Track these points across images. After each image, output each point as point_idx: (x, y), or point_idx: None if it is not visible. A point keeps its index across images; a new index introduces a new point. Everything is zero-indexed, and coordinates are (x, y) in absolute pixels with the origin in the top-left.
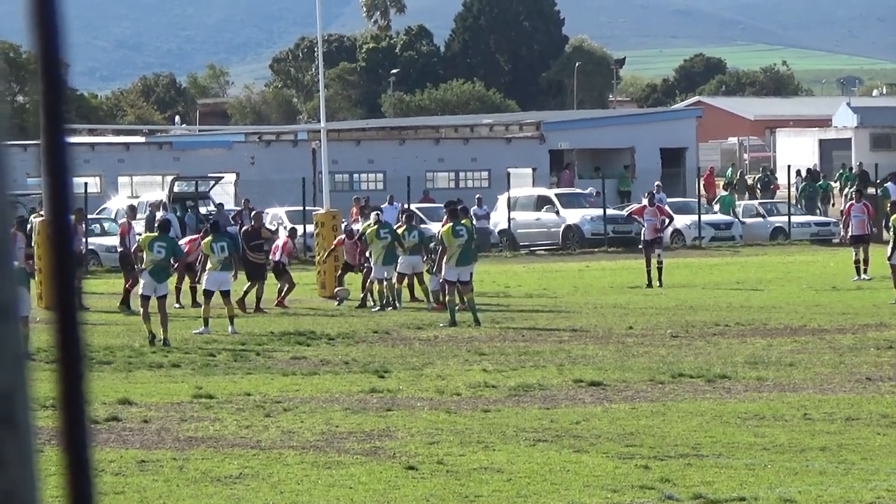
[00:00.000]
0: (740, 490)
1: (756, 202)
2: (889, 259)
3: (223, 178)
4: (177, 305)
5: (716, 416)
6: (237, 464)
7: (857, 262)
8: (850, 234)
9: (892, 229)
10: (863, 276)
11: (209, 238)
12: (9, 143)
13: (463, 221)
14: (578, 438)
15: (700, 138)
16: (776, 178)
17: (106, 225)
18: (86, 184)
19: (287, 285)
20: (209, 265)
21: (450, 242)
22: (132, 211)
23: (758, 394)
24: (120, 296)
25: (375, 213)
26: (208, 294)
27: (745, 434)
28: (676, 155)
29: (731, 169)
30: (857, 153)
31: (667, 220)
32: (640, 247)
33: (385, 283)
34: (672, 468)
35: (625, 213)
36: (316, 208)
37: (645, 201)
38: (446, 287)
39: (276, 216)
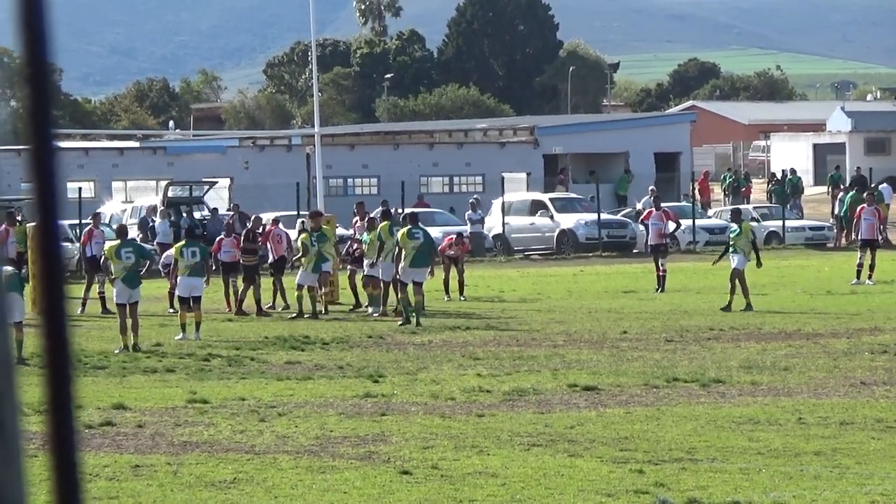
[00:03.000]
0: (735, 494)
1: (751, 206)
2: (735, 265)
3: (217, 182)
4: (171, 311)
5: (710, 420)
6: (231, 469)
7: (859, 265)
8: (859, 237)
9: (744, 236)
10: (866, 281)
11: (181, 243)
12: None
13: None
14: (573, 443)
15: (694, 143)
16: (747, 183)
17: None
18: (80, 189)
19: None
20: (179, 270)
21: (405, 244)
22: (96, 218)
23: (752, 398)
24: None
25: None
26: (183, 300)
27: (739, 438)
28: (671, 159)
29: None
30: (851, 157)
31: (674, 225)
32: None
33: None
34: (666, 472)
35: (639, 219)
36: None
37: (639, 205)
38: (399, 286)
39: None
